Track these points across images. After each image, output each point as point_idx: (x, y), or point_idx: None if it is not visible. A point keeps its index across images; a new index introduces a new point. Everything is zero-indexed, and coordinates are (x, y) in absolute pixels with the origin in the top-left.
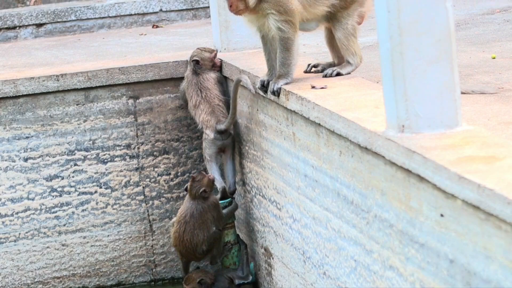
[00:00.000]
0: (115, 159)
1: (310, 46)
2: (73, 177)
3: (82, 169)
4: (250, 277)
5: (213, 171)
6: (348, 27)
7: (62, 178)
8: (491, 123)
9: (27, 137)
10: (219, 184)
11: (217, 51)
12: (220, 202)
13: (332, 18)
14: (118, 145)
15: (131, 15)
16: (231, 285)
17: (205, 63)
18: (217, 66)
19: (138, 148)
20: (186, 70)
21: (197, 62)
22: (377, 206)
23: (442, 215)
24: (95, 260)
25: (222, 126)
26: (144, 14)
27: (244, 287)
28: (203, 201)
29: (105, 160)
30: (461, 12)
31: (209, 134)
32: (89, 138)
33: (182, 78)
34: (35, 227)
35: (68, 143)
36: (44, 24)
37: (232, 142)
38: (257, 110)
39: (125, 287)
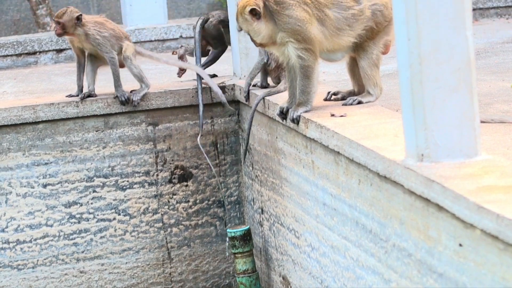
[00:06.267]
0: (134, 186)
1: (330, 73)
2: (91, 203)
3: (101, 196)
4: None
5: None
6: (373, 57)
7: (81, 205)
8: (510, 152)
9: (46, 163)
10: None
11: None
12: (232, 231)
13: (357, 47)
14: (137, 172)
15: (151, 41)
16: None
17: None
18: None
19: (157, 175)
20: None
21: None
22: (396, 235)
23: (460, 245)
24: (113, 287)
25: None
26: (164, 40)
27: None
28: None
29: (124, 187)
30: (481, 40)
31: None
32: (108, 164)
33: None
34: (53, 254)
35: (87, 170)
36: (64, 49)
37: None
38: (276, 137)
39: None
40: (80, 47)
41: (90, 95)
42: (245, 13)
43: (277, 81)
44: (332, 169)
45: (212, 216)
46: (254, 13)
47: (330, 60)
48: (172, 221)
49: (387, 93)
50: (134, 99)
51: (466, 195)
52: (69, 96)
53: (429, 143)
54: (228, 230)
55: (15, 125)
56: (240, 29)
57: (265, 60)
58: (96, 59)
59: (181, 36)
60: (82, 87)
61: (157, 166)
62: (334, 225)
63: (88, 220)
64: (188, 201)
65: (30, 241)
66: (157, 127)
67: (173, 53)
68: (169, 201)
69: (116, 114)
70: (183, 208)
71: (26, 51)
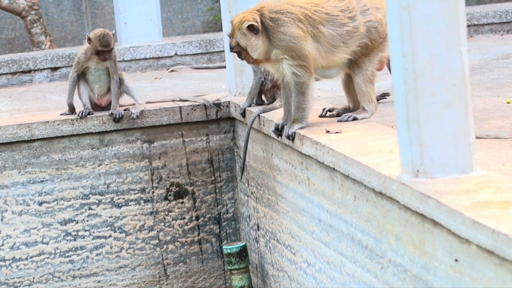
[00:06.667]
0: (129, 203)
1: (325, 90)
2: (87, 221)
3: (96, 213)
4: None
5: None
6: (368, 73)
7: (77, 222)
8: (505, 167)
9: (41, 181)
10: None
11: None
12: (228, 247)
13: (352, 64)
14: (133, 189)
15: (146, 59)
16: None
17: None
18: None
19: (153, 192)
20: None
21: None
22: (392, 250)
23: (456, 260)
24: None
25: None
26: (159, 58)
27: None
28: None
29: (120, 204)
30: (476, 56)
31: None
32: (103, 182)
33: (196, 123)
34: (49, 271)
35: (82, 187)
36: (59, 67)
37: None
38: (272, 154)
39: None
40: (94, 67)
41: (89, 113)
42: (243, 28)
43: (272, 100)
44: (328, 185)
45: (208, 233)
46: (252, 28)
47: (325, 77)
48: (168, 238)
49: (382, 109)
50: (133, 111)
51: (461, 211)
52: (64, 115)
53: (424, 158)
54: (224, 246)
55: (11, 143)
56: (234, 45)
57: (262, 79)
58: (87, 81)
59: (176, 54)
60: (74, 105)
61: (152, 183)
62: (330, 241)
63: (84, 238)
64: (184, 218)
65: (26, 259)
66: (152, 145)
67: (167, 71)
68: (165, 218)
69: (111, 131)
70: (179, 225)
71: (21, 70)
